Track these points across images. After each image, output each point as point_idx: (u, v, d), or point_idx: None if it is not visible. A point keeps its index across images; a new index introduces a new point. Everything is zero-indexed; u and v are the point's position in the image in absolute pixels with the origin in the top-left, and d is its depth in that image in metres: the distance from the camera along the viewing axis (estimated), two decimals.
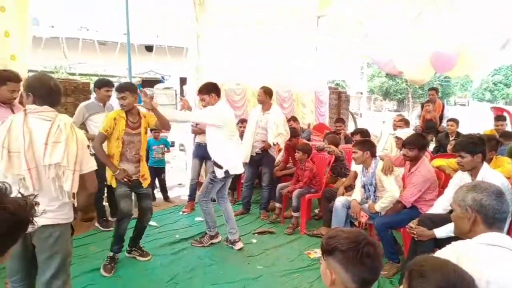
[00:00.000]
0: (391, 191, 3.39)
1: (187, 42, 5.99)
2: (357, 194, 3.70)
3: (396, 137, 4.59)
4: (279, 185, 4.76)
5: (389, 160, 3.55)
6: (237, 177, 5.42)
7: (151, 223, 4.44)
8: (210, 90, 3.66)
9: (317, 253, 3.78)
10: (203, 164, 5.09)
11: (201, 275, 3.32)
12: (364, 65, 17.48)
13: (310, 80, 8.49)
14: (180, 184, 6.50)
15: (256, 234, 4.29)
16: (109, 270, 3.28)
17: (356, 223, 3.81)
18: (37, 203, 1.21)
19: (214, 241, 3.94)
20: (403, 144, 3.49)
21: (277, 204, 4.75)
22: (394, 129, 5.31)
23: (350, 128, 9.53)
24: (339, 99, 9.57)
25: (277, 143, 4.74)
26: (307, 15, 8.10)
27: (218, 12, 6.24)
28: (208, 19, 6.05)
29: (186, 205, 5.10)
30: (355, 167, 4.06)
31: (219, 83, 5.60)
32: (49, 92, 2.01)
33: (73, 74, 9.31)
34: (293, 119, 6.31)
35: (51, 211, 1.99)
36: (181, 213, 4.96)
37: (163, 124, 3.40)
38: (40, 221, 1.94)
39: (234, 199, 5.54)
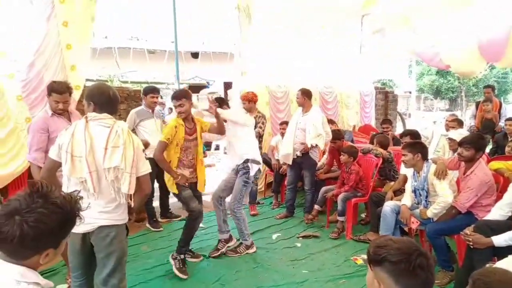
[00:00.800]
0: (444, 196, 3.21)
1: (231, 47, 6.11)
2: (407, 199, 3.54)
3: (449, 138, 4.34)
4: (323, 188, 4.68)
5: (442, 163, 3.36)
6: (281, 180, 5.43)
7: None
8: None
9: (364, 259, 3.68)
10: None
11: (246, 277, 3.36)
12: (413, 63, 16.73)
13: (355, 80, 8.30)
14: None
15: (300, 238, 4.26)
16: (186, 272, 3.35)
17: (406, 229, 3.67)
18: (81, 198, 1.27)
19: (250, 251, 3.85)
20: (459, 143, 3.30)
21: (316, 206, 4.67)
22: (447, 130, 5.04)
23: (399, 129, 9.17)
24: (386, 99, 9.24)
25: (316, 144, 4.63)
26: (351, 14, 7.95)
27: (262, 16, 6.31)
28: (252, 23, 6.13)
29: None
30: (405, 170, 3.90)
31: (262, 86, 5.67)
32: (108, 100, 2.15)
33: (125, 82, 9.86)
34: (331, 121, 6.10)
35: (108, 213, 2.13)
36: None
37: (220, 130, 3.51)
38: (97, 221, 2.10)
39: (278, 202, 5.54)
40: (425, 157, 3.42)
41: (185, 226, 3.49)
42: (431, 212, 3.27)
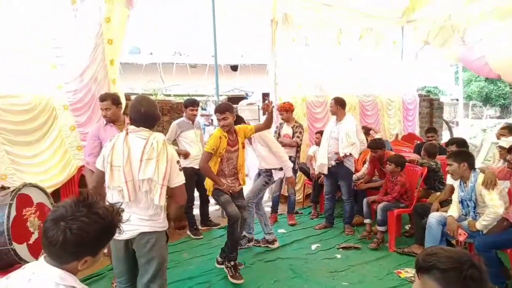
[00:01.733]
0: (494, 207, 3.01)
1: (267, 59, 6.20)
2: (454, 210, 3.36)
3: (500, 146, 4.09)
4: (366, 199, 4.52)
5: (491, 173, 3.16)
6: (320, 190, 5.36)
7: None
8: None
9: (408, 272, 3.53)
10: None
11: (285, 287, 3.34)
12: (459, 69, 15.94)
13: (397, 88, 8.07)
14: None
15: (340, 249, 4.17)
16: (240, 277, 3.43)
17: (454, 242, 3.47)
18: (122, 210, 1.35)
19: (272, 246, 4.24)
20: (508, 149, 3.10)
21: (367, 220, 4.47)
22: (498, 139, 4.74)
23: (445, 138, 8.74)
24: (431, 106, 8.85)
25: (349, 153, 4.53)
26: (392, 22, 7.80)
27: (301, 25, 6.36)
28: (289, 33, 6.20)
29: (270, 216, 5.18)
30: (451, 180, 3.71)
31: (299, 96, 5.70)
32: (140, 117, 2.24)
33: (169, 95, 10.30)
34: (367, 130, 5.87)
35: (148, 220, 2.20)
36: None
37: (268, 125, 3.72)
38: (139, 228, 2.19)
39: (317, 212, 5.46)
40: (471, 166, 3.24)
41: (227, 232, 3.57)
42: (480, 224, 3.08)
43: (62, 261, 1.15)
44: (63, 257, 1.15)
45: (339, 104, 4.63)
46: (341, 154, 4.49)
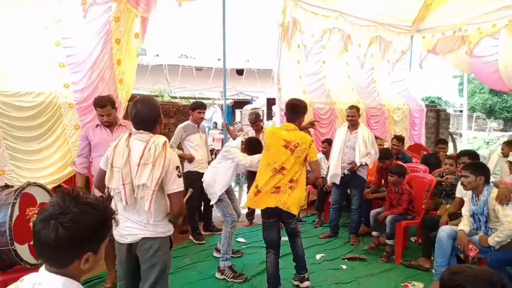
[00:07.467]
0: (509, 223, 2.93)
1: (273, 64, 6.17)
2: (466, 224, 3.27)
3: (509, 161, 4.03)
4: (373, 212, 4.42)
5: (505, 188, 3.07)
6: (325, 198, 5.28)
7: (239, 239, 4.56)
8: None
9: (415, 286, 3.45)
10: None
11: None
12: (464, 80, 15.90)
13: (403, 97, 8.03)
14: None
15: (346, 260, 4.09)
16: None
17: (462, 256, 3.39)
18: (112, 198, 1.29)
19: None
20: None
21: (374, 233, 4.36)
22: (504, 155, 4.68)
23: (449, 150, 8.67)
24: (438, 117, 8.80)
25: (365, 163, 4.51)
26: (402, 31, 7.78)
27: (309, 31, 6.33)
28: (296, 38, 6.17)
29: None
30: (460, 193, 3.64)
31: (308, 102, 5.64)
32: (135, 120, 2.15)
33: (175, 98, 10.25)
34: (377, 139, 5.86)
35: (151, 225, 2.12)
36: None
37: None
38: (141, 233, 2.12)
39: (321, 220, 5.38)
40: (487, 181, 3.16)
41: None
42: (493, 240, 3.00)
43: (61, 264, 1.07)
44: (61, 258, 1.07)
45: (359, 112, 4.67)
46: (358, 163, 4.44)
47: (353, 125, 4.63)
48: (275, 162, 2.99)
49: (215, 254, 4.08)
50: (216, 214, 5.29)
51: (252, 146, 3.65)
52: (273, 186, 2.98)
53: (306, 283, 3.35)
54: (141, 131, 2.14)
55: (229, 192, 3.89)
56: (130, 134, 2.17)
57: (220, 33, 5.64)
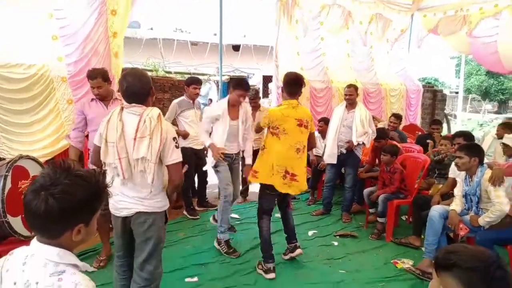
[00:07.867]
0: (500, 204, 2.97)
1: (271, 40, 6.08)
2: (458, 204, 3.31)
3: (503, 143, 4.05)
4: (366, 191, 4.47)
5: (499, 169, 3.10)
6: (319, 176, 5.32)
7: (232, 215, 4.60)
8: None
9: (404, 263, 3.52)
10: None
11: (281, 271, 3.31)
12: (462, 62, 15.83)
13: (400, 77, 7.97)
14: None
15: (337, 237, 4.15)
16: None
17: (452, 235, 3.45)
18: (105, 172, 1.30)
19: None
20: None
21: (372, 210, 4.42)
22: (499, 136, 4.71)
23: (443, 131, 8.71)
24: (434, 98, 8.79)
25: (362, 142, 4.52)
26: (403, 8, 7.63)
27: (307, 8, 6.19)
28: (295, 16, 6.04)
29: None
30: (453, 173, 3.67)
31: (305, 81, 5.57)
32: (126, 93, 2.11)
33: (169, 73, 10.06)
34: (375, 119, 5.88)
35: (145, 199, 2.12)
36: None
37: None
38: (136, 207, 2.11)
39: (314, 198, 5.44)
40: (481, 162, 3.19)
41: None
42: (484, 220, 3.05)
43: (53, 235, 1.06)
44: (52, 229, 1.06)
45: (357, 92, 4.64)
46: (355, 143, 4.46)
47: (350, 104, 4.60)
48: (296, 142, 3.15)
49: (211, 220, 4.22)
50: (210, 190, 5.33)
51: (235, 81, 3.71)
52: (302, 167, 3.23)
53: (299, 251, 3.46)
54: (133, 104, 2.10)
55: (232, 169, 3.81)
56: (122, 108, 2.13)
57: (216, 7, 5.49)
